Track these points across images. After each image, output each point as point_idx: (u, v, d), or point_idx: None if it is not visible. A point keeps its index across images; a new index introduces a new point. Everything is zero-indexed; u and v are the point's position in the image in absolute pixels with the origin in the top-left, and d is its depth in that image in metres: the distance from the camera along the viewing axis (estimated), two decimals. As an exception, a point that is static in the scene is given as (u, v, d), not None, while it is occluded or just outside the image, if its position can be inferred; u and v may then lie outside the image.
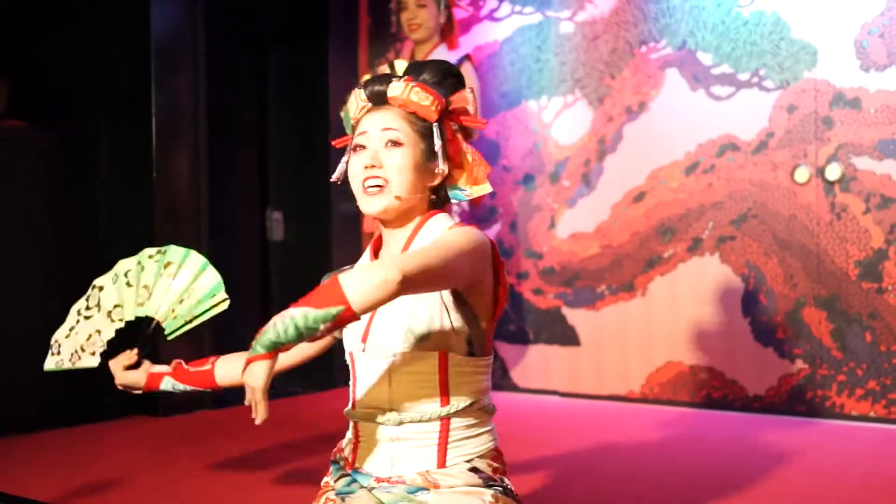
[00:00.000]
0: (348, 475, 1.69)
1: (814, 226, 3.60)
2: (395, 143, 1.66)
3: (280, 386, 4.38)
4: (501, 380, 4.38)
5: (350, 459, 1.70)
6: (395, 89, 1.68)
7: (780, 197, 3.68)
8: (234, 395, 4.01)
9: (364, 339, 1.67)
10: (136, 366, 2.01)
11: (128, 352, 2.01)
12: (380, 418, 1.64)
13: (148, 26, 3.86)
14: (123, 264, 2.11)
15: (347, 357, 1.74)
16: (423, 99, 1.66)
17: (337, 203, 4.75)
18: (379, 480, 1.64)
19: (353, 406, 1.71)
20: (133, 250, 2.12)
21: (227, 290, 2.05)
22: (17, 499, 2.59)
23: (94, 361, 2.02)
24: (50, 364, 2.05)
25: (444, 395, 1.64)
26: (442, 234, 1.63)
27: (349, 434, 1.74)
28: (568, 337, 4.22)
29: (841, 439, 3.21)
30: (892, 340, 3.43)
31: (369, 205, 1.66)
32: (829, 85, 3.57)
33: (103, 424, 3.66)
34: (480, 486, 1.62)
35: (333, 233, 4.72)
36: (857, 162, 3.50)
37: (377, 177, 1.65)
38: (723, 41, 3.82)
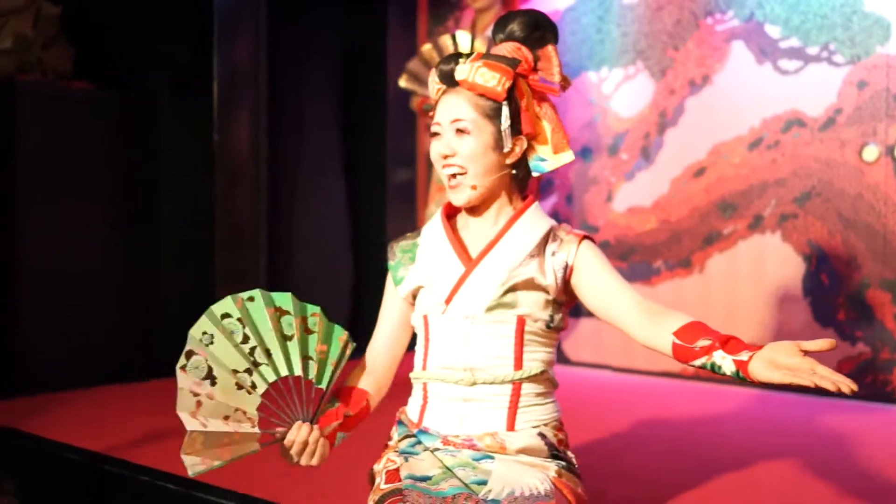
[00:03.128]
0: (413, 436, 1.71)
1: (881, 206, 3.51)
2: (463, 132, 1.67)
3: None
4: (553, 352, 4.37)
5: (416, 420, 1.73)
6: (461, 72, 1.68)
7: (846, 175, 3.59)
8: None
9: (448, 301, 1.69)
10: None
11: (308, 426, 1.56)
12: (453, 378, 1.67)
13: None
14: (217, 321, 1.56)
15: (419, 320, 1.75)
16: (488, 80, 1.65)
17: (392, 170, 4.75)
18: (446, 443, 1.65)
19: (424, 367, 1.73)
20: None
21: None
22: (70, 448, 2.68)
23: (255, 446, 1.55)
24: (199, 467, 1.52)
25: (518, 359, 1.67)
26: (594, 260, 1.77)
27: (416, 395, 1.76)
28: (622, 312, 4.17)
29: (901, 425, 3.15)
30: (958, 326, 3.35)
31: (454, 199, 1.72)
32: (903, 61, 3.47)
33: (133, 385, 3.73)
34: (545, 456, 1.66)
35: (388, 200, 4.73)
36: (929, 141, 3.41)
37: (452, 164, 1.69)
38: (792, 13, 3.72)
